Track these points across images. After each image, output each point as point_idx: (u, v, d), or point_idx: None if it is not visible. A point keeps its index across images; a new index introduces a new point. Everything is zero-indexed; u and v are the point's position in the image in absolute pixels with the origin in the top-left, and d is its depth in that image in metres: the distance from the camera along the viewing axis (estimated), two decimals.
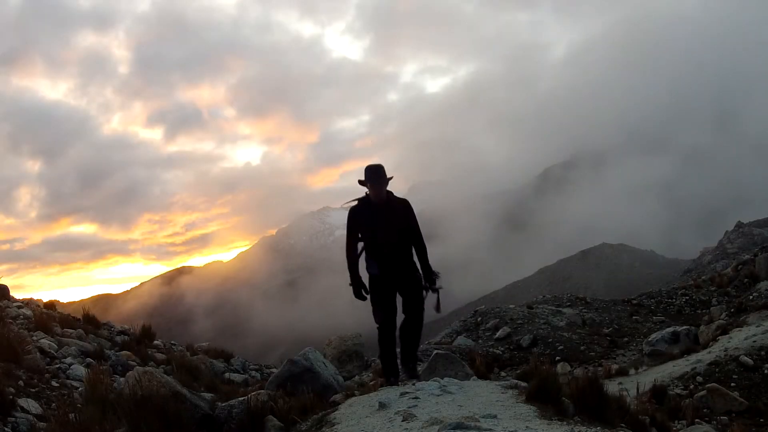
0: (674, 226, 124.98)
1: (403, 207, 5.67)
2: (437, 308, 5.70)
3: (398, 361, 5.86)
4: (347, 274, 5.57)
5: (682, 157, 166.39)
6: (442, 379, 5.26)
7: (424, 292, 5.65)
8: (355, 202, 5.69)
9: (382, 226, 5.50)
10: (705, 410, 7.99)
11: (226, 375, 10.24)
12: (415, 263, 5.68)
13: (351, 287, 5.59)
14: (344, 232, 5.73)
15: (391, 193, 5.65)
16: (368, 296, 5.56)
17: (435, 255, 5.73)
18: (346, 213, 5.71)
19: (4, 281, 10.62)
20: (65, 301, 15.62)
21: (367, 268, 5.62)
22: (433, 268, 5.70)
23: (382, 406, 4.14)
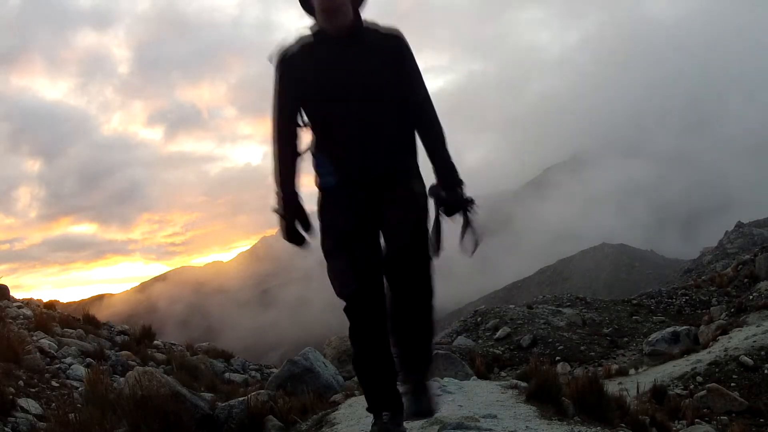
0: (655, 229, 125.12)
1: (391, 47, 2.65)
2: (474, 247, 2.76)
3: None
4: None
5: (662, 159, 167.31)
6: (442, 379, 5.26)
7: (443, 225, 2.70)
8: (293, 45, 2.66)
9: (345, 86, 2.58)
10: (705, 410, 8.00)
11: (226, 375, 10.24)
12: (416, 167, 2.77)
13: (280, 221, 2.68)
14: None
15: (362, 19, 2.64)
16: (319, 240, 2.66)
17: None
18: None
19: (4, 281, 10.61)
20: (65, 301, 15.63)
21: (316, 174, 2.71)
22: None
23: None
